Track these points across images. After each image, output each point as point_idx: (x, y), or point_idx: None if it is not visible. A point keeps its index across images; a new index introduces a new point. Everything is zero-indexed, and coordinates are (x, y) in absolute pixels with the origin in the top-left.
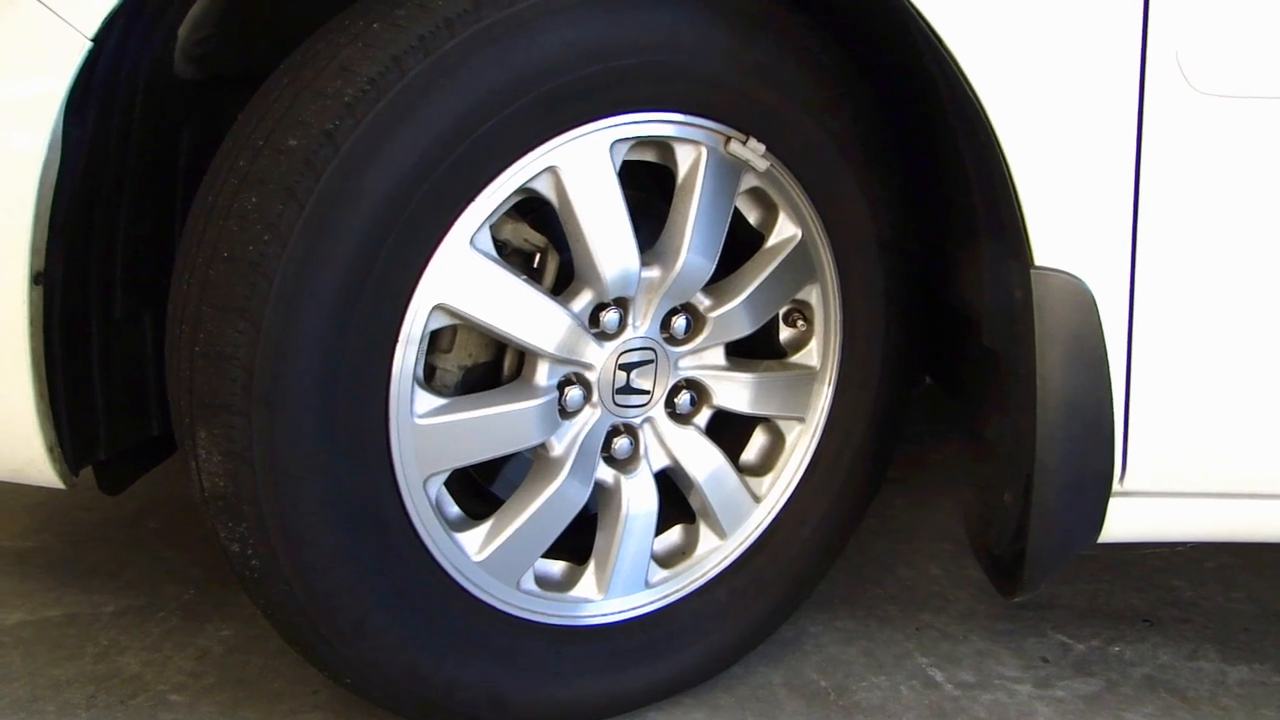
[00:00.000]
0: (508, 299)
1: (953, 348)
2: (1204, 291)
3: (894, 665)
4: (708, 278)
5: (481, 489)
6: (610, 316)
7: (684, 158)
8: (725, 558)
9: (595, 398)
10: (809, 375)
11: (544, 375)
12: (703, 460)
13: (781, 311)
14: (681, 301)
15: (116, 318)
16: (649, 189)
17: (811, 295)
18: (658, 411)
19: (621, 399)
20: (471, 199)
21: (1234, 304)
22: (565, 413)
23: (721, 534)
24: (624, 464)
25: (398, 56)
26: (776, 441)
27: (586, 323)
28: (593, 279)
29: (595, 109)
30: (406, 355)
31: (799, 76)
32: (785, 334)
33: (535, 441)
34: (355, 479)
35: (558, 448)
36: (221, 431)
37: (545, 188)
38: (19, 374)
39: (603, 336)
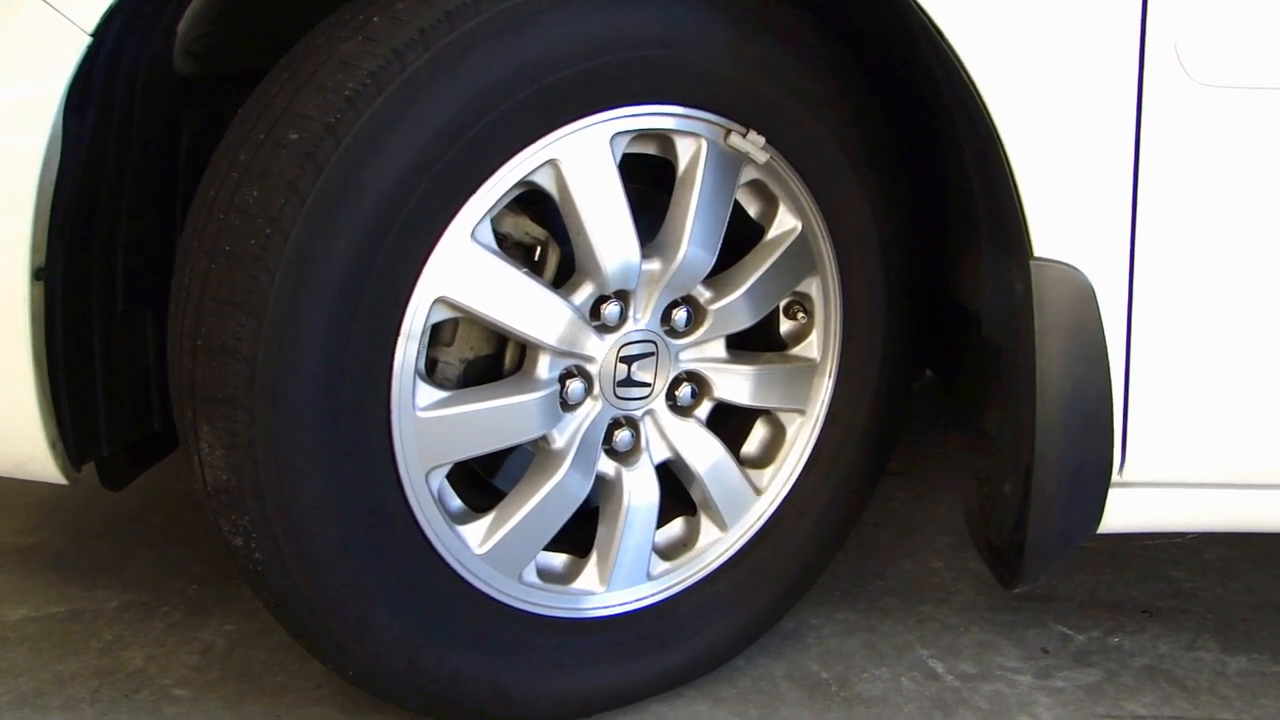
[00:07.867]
0: (509, 292)
1: (953, 340)
2: (1203, 282)
3: (895, 657)
4: (708, 270)
5: (483, 482)
6: (611, 309)
7: (684, 150)
8: (726, 550)
9: (596, 390)
10: (810, 367)
11: (545, 368)
12: (704, 452)
13: (782, 304)
14: (682, 294)
15: (118, 313)
16: (649, 182)
17: (812, 288)
18: (659, 404)
19: (623, 391)
20: (472, 192)
21: (1233, 294)
22: (566, 405)
23: (723, 526)
24: (625, 456)
25: (398, 50)
26: (777, 434)
27: (587, 315)
28: (593, 271)
29: (596, 102)
30: (408, 348)
31: (799, 70)
32: (786, 326)
33: (537, 434)
34: (358, 472)
35: (559, 440)
36: (224, 425)
37: (546, 181)
38: (21, 370)
39: (604, 329)
